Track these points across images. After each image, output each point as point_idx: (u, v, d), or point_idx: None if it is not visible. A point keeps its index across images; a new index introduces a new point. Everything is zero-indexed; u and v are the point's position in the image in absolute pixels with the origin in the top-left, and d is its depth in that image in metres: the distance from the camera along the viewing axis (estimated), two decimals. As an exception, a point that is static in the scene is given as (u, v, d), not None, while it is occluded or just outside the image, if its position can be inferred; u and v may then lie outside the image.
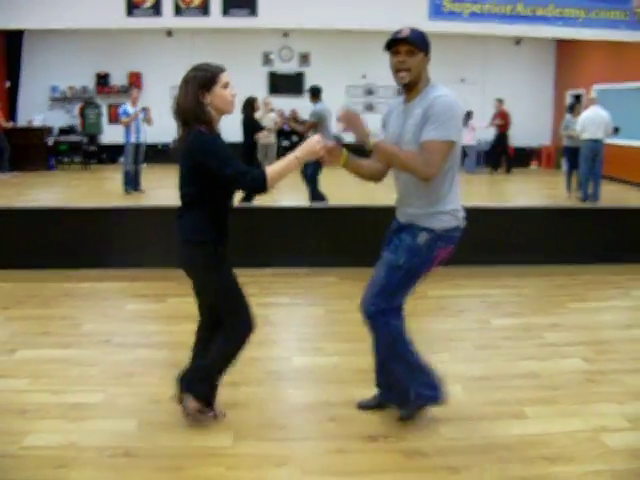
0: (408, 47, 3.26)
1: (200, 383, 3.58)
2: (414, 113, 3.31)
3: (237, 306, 3.51)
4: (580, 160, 11.89)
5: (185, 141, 3.26)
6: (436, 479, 3.12)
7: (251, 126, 10.52)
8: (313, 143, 3.29)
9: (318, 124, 10.18)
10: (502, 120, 16.76)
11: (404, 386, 3.57)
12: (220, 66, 3.33)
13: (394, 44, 3.28)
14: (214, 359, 3.55)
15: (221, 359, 3.55)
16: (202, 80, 3.23)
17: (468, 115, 16.00)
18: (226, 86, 3.29)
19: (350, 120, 3.34)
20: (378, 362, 3.72)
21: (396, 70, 3.32)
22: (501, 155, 17.24)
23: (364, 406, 3.83)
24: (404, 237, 3.46)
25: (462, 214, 3.50)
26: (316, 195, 9.85)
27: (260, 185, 3.22)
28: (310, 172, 10.06)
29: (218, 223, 3.41)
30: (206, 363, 3.58)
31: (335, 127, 10.70)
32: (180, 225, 3.42)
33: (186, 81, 3.26)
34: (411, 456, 3.32)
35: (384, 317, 3.51)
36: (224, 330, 3.52)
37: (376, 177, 3.62)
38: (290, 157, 3.30)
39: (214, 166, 3.19)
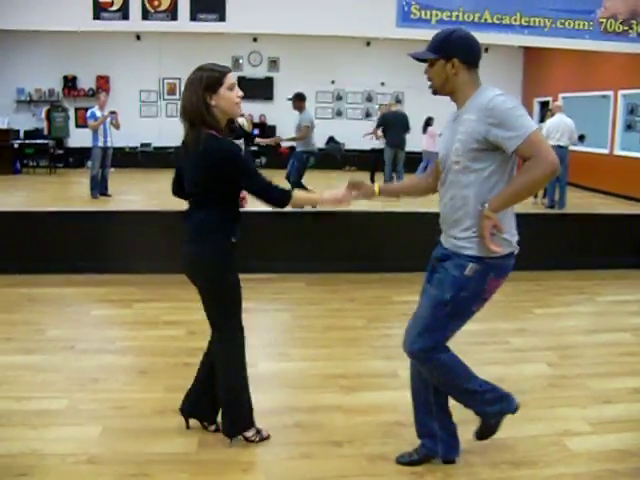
0: (426, 60, 3.12)
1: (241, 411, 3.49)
2: (464, 119, 2.96)
3: (238, 311, 3.56)
4: None
5: (196, 143, 3.14)
6: (401, 484, 3.12)
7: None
8: (341, 198, 3.39)
9: (309, 132, 10.21)
10: None
11: (477, 411, 3.32)
12: (226, 67, 3.25)
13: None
14: (232, 376, 3.48)
15: (239, 370, 3.51)
16: (207, 81, 3.13)
17: (428, 122, 15.87)
18: (232, 88, 3.19)
19: (358, 190, 3.41)
20: (423, 406, 3.38)
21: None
22: None
23: (405, 462, 3.33)
24: (450, 268, 3.06)
25: (517, 238, 3.14)
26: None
27: (284, 201, 3.27)
28: (294, 178, 10.09)
29: (231, 221, 3.35)
30: (230, 386, 3.46)
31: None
32: (190, 225, 3.32)
33: (191, 82, 3.17)
34: (375, 461, 3.32)
35: (430, 355, 3.20)
36: (223, 338, 3.53)
37: (429, 190, 3.43)
38: (317, 195, 3.50)
39: (240, 177, 3.18)
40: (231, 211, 3.34)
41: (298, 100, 10.54)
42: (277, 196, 3.26)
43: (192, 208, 3.34)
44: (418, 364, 3.25)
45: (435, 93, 3.17)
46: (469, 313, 3.18)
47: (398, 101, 17.35)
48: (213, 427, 3.59)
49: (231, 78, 3.20)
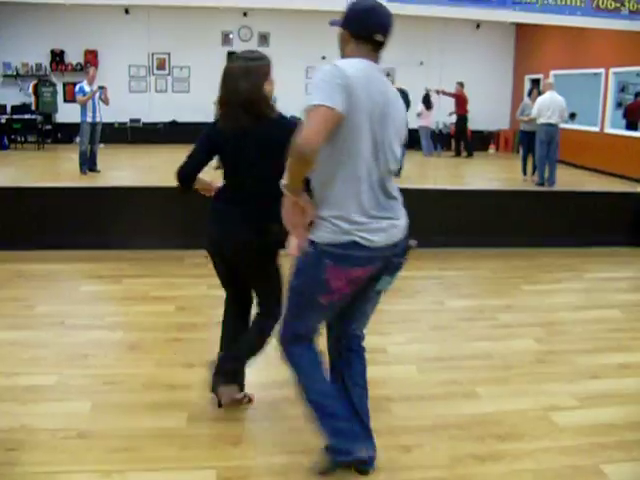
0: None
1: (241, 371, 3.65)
2: None
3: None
4: (536, 144, 12.05)
5: (270, 128, 3.22)
6: (388, 458, 3.15)
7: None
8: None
9: None
10: (457, 102, 16.83)
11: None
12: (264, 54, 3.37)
13: None
14: (256, 341, 3.58)
15: (261, 341, 3.58)
16: (266, 70, 3.27)
17: (427, 99, 16.08)
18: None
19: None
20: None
21: None
22: (460, 139, 17.34)
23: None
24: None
25: (363, 228, 2.72)
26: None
27: None
28: None
29: None
30: (248, 347, 3.59)
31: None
32: (270, 211, 2.98)
33: (252, 72, 3.24)
34: (364, 435, 3.34)
35: (290, 347, 3.00)
36: (268, 313, 3.52)
37: None
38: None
39: None
40: None
41: None
42: None
43: (269, 196, 3.00)
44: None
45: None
46: (317, 304, 2.84)
47: (387, 75, 17.28)
48: (246, 399, 3.67)
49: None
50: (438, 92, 16.59)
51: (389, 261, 2.87)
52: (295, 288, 2.89)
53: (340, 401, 3.01)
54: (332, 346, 3.18)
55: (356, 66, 2.72)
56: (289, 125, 3.00)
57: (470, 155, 17.06)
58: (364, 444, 3.00)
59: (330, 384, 3.06)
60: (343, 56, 2.88)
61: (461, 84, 16.89)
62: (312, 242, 2.76)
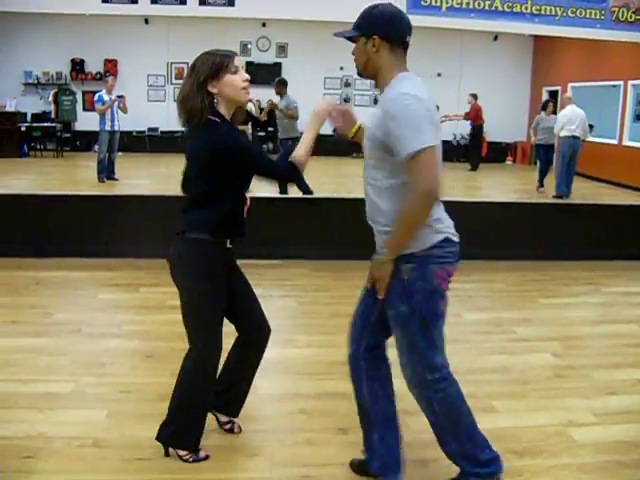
0: (351, 39, 2.79)
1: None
2: (374, 112, 2.72)
3: (211, 327, 3.14)
4: (558, 157, 11.98)
5: (201, 133, 2.93)
6: (405, 472, 3.13)
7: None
8: (319, 111, 3.01)
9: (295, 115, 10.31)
10: (469, 115, 16.85)
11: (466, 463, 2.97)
12: (231, 51, 2.99)
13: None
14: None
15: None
16: (210, 67, 2.87)
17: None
18: (236, 71, 2.91)
19: (342, 115, 3.04)
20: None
21: None
22: (474, 150, 17.32)
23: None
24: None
25: (445, 223, 2.92)
26: (305, 187, 9.81)
27: (294, 173, 3.04)
28: None
29: (231, 221, 3.09)
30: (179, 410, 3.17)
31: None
32: (185, 219, 3.06)
33: (191, 68, 2.93)
34: (380, 449, 3.32)
35: (437, 392, 2.96)
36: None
37: None
38: (308, 134, 3.05)
39: (242, 167, 2.94)
40: (234, 210, 3.10)
41: (282, 85, 10.67)
42: (285, 172, 3.08)
43: (190, 202, 3.08)
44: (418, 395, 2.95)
45: (360, 75, 2.84)
46: (438, 319, 2.79)
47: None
48: (228, 426, 3.45)
49: (235, 61, 2.92)
50: (444, 119, 16.55)
51: None
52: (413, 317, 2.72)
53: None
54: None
55: (421, 87, 2.68)
56: (212, 138, 2.88)
57: (473, 169, 16.88)
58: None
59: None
60: (369, 67, 2.75)
61: (474, 96, 16.86)
62: (410, 255, 2.68)
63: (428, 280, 2.71)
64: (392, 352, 2.98)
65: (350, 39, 2.78)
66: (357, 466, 3.14)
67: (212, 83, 2.87)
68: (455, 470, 2.98)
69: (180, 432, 3.15)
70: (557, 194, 11.89)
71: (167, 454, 3.18)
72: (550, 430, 3.59)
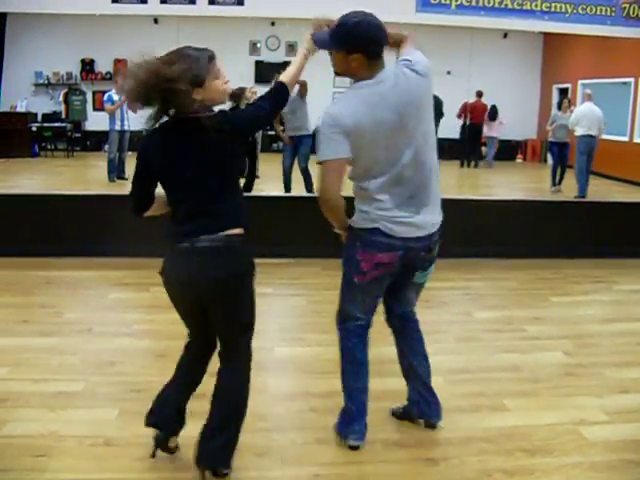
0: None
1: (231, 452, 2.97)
2: None
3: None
4: (576, 155, 11.89)
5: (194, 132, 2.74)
6: (415, 470, 3.13)
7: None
8: (315, 22, 3.14)
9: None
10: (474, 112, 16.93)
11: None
12: (207, 49, 2.83)
13: None
14: (239, 408, 2.98)
15: (244, 402, 3.00)
16: (193, 75, 2.69)
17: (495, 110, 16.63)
18: (218, 75, 2.80)
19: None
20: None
21: None
22: (476, 147, 17.32)
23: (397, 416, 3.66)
24: None
25: (384, 220, 3.13)
26: (312, 188, 9.82)
27: (285, 94, 3.02)
28: (304, 164, 10.10)
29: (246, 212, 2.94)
30: (232, 424, 2.95)
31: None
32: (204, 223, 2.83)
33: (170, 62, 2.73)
34: (390, 447, 3.33)
35: (341, 332, 3.46)
36: (237, 365, 2.99)
37: None
38: (299, 56, 3.16)
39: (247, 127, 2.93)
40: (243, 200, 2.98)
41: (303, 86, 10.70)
42: (280, 97, 3.00)
43: (207, 202, 2.86)
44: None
45: (337, 74, 3.26)
46: (354, 285, 3.29)
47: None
48: (174, 443, 3.16)
49: (216, 64, 2.80)
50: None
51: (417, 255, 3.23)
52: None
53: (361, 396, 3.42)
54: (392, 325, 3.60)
55: (354, 107, 3.01)
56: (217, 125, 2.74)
57: (476, 166, 16.98)
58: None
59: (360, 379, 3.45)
60: (348, 73, 3.15)
61: (479, 93, 16.84)
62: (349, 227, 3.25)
63: (353, 253, 3.22)
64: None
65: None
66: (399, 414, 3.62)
67: (197, 90, 2.70)
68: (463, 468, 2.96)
69: (230, 447, 2.95)
70: (579, 194, 11.74)
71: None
72: (561, 429, 3.57)
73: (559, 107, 13.10)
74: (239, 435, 2.96)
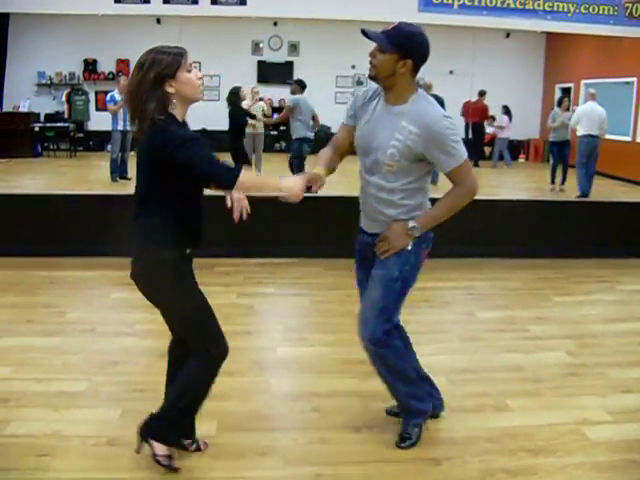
0: (376, 44, 3.02)
1: (169, 429, 3.08)
2: (400, 126, 3.01)
3: (207, 329, 3.12)
4: (577, 156, 11.86)
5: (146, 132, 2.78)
6: (418, 470, 3.13)
7: (239, 116, 10.61)
8: (296, 190, 2.93)
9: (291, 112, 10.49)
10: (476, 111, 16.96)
11: (405, 404, 3.42)
12: (180, 47, 2.89)
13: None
14: (182, 395, 3.06)
15: (192, 394, 3.08)
16: (164, 65, 2.75)
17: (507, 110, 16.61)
18: (190, 69, 2.84)
19: (316, 184, 3.09)
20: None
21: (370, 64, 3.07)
22: (481, 147, 17.34)
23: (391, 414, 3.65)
24: None
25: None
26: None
27: (228, 180, 2.79)
28: (297, 168, 10.15)
29: (183, 225, 2.92)
30: (172, 404, 3.07)
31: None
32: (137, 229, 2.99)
33: (140, 65, 2.78)
34: (393, 447, 3.32)
35: (389, 339, 3.27)
36: (192, 359, 3.08)
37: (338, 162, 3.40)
38: (275, 182, 2.97)
39: (181, 161, 2.74)
40: (185, 213, 2.94)
41: (299, 86, 10.80)
42: (222, 178, 2.81)
43: (138, 209, 2.98)
44: (376, 354, 3.30)
45: (372, 78, 3.09)
46: (410, 288, 3.30)
47: (419, 86, 17.13)
48: (194, 446, 3.25)
49: (188, 59, 2.85)
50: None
51: None
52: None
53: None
54: None
55: None
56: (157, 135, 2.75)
57: (473, 164, 17.05)
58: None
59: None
60: (390, 80, 3.03)
61: (481, 93, 16.84)
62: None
63: (419, 256, 3.23)
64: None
65: (380, 44, 2.99)
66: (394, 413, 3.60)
67: (169, 82, 2.75)
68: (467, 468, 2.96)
69: (168, 428, 3.06)
70: (581, 194, 11.74)
71: (138, 452, 3.07)
72: (564, 429, 3.57)
73: (559, 104, 13.07)
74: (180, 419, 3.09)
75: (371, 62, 3.04)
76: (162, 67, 2.75)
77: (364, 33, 3.02)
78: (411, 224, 3.13)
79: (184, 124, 2.93)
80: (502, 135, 16.87)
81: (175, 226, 2.90)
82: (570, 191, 12.22)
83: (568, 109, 12.97)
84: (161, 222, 2.90)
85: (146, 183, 2.90)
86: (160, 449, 3.04)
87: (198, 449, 3.24)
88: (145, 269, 3.04)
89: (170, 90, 2.77)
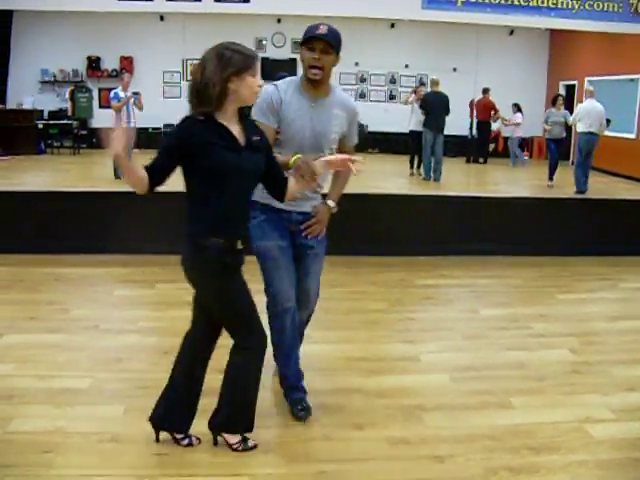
0: (324, 45, 3.30)
1: (234, 421, 3.23)
2: (334, 113, 3.48)
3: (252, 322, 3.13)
4: (576, 153, 11.86)
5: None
6: (420, 468, 3.13)
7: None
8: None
9: None
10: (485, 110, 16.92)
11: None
12: (253, 51, 2.98)
13: (311, 40, 3.32)
14: (235, 390, 3.17)
15: (244, 387, 3.18)
16: (236, 62, 2.85)
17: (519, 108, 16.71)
18: (255, 75, 2.92)
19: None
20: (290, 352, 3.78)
21: (309, 66, 3.34)
22: (487, 145, 17.29)
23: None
24: None
25: None
26: None
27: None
28: None
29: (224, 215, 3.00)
30: (229, 399, 3.19)
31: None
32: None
33: (213, 57, 2.87)
34: (396, 444, 3.33)
35: None
36: (239, 351, 3.14)
37: None
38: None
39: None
40: (223, 204, 3.00)
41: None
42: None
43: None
44: (305, 312, 3.84)
45: (317, 80, 3.39)
46: None
47: (422, 84, 17.14)
48: (186, 441, 3.27)
49: (258, 65, 2.95)
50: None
51: None
52: None
53: None
54: None
55: None
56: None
57: (485, 162, 17.00)
58: None
59: None
60: (328, 77, 3.45)
61: (485, 90, 16.81)
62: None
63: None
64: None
65: (329, 46, 3.34)
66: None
67: (235, 80, 2.85)
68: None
69: (236, 417, 3.20)
70: (577, 190, 11.74)
71: (216, 442, 3.24)
72: (567, 426, 3.57)
73: (553, 104, 13.04)
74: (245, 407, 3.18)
75: (317, 66, 3.33)
76: (237, 64, 2.85)
77: (324, 39, 3.31)
78: (332, 204, 3.64)
79: (230, 122, 2.98)
80: (517, 134, 16.87)
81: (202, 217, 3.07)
82: (564, 187, 12.21)
83: (567, 107, 12.97)
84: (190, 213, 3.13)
85: None
86: (233, 438, 3.22)
87: (190, 444, 3.26)
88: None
89: (232, 87, 2.86)
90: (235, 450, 3.20)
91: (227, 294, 3.05)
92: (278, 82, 3.52)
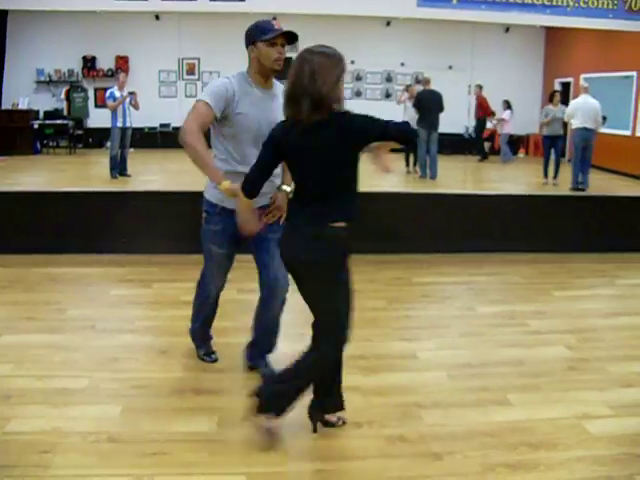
0: (284, 40, 3.66)
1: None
2: (280, 103, 3.40)
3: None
4: (572, 149, 11.89)
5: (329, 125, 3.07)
6: (419, 465, 3.13)
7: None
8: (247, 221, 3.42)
9: None
10: (482, 108, 16.94)
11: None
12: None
13: (282, 36, 3.63)
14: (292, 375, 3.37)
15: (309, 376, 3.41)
16: (342, 70, 3.19)
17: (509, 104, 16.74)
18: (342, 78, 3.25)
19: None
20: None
21: (276, 59, 3.65)
22: (484, 142, 17.34)
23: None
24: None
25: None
26: None
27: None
28: None
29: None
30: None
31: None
32: (322, 211, 3.30)
33: (330, 66, 3.18)
34: (394, 442, 3.33)
35: None
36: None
37: None
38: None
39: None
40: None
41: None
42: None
43: (323, 194, 3.26)
44: (280, 299, 4.03)
45: (277, 71, 3.72)
46: None
47: (418, 82, 17.15)
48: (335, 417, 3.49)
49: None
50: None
51: None
52: None
53: None
54: None
55: None
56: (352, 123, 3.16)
57: (484, 159, 17.03)
58: None
59: None
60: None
61: (479, 87, 16.83)
62: None
63: None
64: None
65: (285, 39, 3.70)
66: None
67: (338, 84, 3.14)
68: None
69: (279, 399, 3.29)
70: (572, 186, 11.79)
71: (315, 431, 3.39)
72: (565, 423, 3.57)
73: (550, 100, 13.06)
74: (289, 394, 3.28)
75: (282, 59, 3.66)
76: (342, 68, 3.18)
77: (293, 36, 3.74)
78: (287, 189, 3.70)
79: None
80: (505, 130, 16.88)
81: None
82: (564, 184, 12.24)
83: (564, 103, 12.98)
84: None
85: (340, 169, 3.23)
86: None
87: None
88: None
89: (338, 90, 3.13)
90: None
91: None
92: (229, 76, 3.68)
